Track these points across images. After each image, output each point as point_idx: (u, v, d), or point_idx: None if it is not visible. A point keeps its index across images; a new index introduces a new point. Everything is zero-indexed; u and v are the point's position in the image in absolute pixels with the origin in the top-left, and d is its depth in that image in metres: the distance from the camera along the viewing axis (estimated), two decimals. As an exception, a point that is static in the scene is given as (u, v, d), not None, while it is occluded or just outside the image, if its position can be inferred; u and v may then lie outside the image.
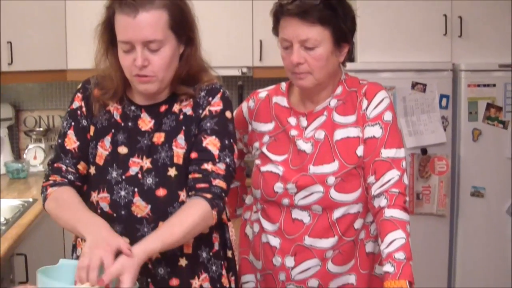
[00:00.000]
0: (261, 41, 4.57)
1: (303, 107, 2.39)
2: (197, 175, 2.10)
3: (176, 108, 2.16)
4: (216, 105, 2.16)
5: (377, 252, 2.38)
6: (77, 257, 2.16)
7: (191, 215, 2.03)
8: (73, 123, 2.20)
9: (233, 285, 2.32)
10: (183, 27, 2.10)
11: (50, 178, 2.17)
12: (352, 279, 2.38)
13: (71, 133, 2.19)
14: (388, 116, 2.30)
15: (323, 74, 2.29)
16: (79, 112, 2.20)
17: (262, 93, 2.50)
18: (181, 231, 2.00)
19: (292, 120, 2.38)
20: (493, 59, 4.47)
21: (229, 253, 2.33)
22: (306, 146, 2.33)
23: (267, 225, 2.40)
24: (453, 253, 4.60)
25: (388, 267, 2.13)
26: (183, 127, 2.14)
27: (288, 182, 2.32)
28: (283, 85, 2.47)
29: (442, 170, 4.39)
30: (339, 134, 2.31)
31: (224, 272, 2.27)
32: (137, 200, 2.10)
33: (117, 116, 2.17)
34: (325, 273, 2.36)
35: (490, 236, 4.55)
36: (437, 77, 4.41)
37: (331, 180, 2.28)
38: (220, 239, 2.27)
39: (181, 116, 2.15)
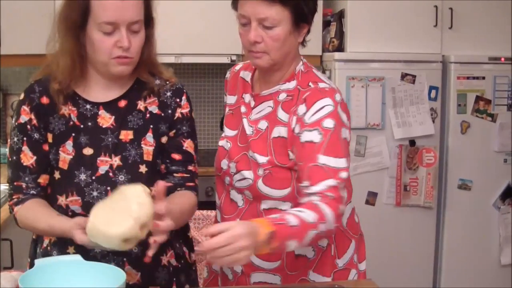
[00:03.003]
0: (251, 29, 4.53)
1: (258, 86, 2.34)
2: (185, 175, 2.23)
3: (141, 105, 2.18)
4: (185, 107, 2.24)
5: (312, 257, 2.30)
6: (42, 251, 2.23)
7: (188, 204, 2.18)
8: (25, 138, 2.14)
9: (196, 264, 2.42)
10: (150, 7, 2.13)
11: (13, 197, 2.16)
12: (276, 279, 2.29)
13: (25, 148, 2.14)
14: (328, 123, 2.12)
15: (279, 55, 2.20)
16: (28, 126, 2.14)
17: (239, 65, 2.47)
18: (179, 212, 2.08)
19: (246, 97, 2.35)
20: (483, 52, 4.47)
21: (189, 234, 2.40)
22: (248, 129, 2.30)
23: (216, 199, 2.43)
24: (440, 245, 4.61)
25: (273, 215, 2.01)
26: (151, 126, 2.18)
27: (231, 160, 2.31)
28: None
29: (430, 162, 4.39)
30: (276, 132, 2.23)
31: (185, 249, 2.33)
32: None
33: (74, 119, 2.14)
34: (249, 264, 2.25)
35: (477, 229, 4.57)
36: (426, 69, 4.40)
37: (260, 170, 2.22)
38: None
39: (148, 115, 2.18)
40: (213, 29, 4.49)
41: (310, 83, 2.23)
